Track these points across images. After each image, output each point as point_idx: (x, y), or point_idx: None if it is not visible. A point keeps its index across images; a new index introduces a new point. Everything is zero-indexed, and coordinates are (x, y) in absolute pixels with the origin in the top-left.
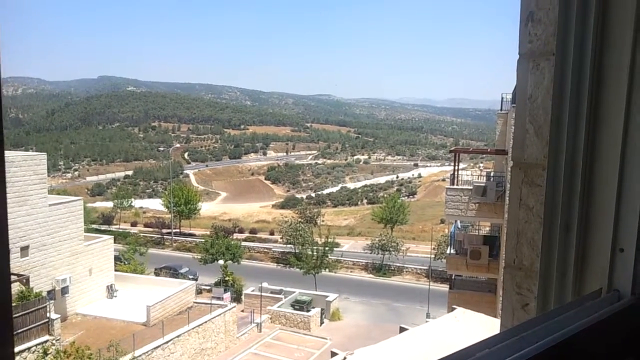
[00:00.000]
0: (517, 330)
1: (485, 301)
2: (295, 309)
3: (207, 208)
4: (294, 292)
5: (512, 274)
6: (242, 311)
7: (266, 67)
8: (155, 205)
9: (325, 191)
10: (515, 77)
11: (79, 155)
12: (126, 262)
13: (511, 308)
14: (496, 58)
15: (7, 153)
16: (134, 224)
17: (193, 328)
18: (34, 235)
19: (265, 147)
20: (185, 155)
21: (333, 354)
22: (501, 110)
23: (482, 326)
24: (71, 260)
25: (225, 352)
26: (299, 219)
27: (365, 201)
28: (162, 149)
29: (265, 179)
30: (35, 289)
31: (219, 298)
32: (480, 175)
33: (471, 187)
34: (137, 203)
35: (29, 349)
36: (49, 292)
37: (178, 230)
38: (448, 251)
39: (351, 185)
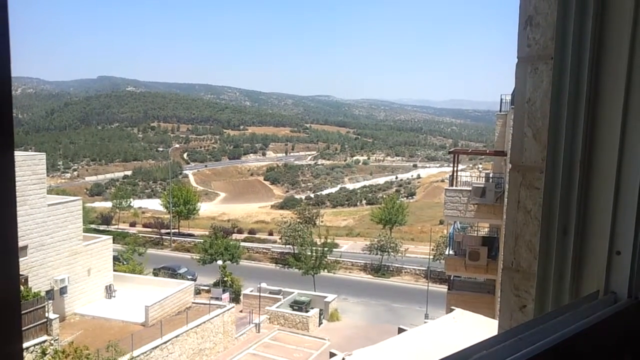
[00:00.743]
0: (515, 332)
1: (484, 302)
2: (293, 310)
3: (206, 208)
4: (292, 292)
5: (510, 276)
6: (241, 311)
7: (266, 68)
8: (154, 205)
9: (325, 192)
10: (514, 79)
11: (78, 155)
12: (125, 263)
13: (509, 310)
14: (495, 59)
15: None
16: (132, 224)
17: (191, 328)
18: (33, 235)
19: (264, 147)
20: (185, 155)
21: (332, 355)
22: (500, 111)
23: (480, 327)
24: (70, 260)
25: (223, 353)
26: (298, 220)
27: (364, 202)
28: (161, 149)
29: (265, 180)
30: (34, 288)
31: (217, 298)
32: (479, 177)
33: (470, 188)
34: (136, 203)
35: (27, 349)
36: (47, 292)
37: (177, 230)
38: (447, 252)
39: (350, 186)
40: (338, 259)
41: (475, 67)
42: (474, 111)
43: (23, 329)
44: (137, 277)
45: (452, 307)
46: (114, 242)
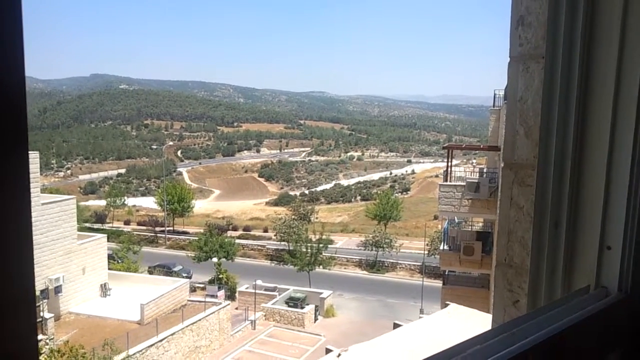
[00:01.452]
0: (508, 326)
1: (479, 296)
2: (289, 306)
3: (200, 206)
4: (288, 289)
5: (503, 272)
6: (236, 309)
7: (259, 64)
8: (148, 203)
9: (319, 188)
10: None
11: (71, 153)
12: (119, 261)
13: (502, 305)
14: (489, 55)
15: None
16: (127, 223)
17: (187, 326)
18: None
19: (258, 144)
20: (179, 153)
21: (328, 351)
22: (494, 106)
23: (475, 322)
24: (64, 259)
25: (219, 350)
26: (293, 216)
27: (358, 198)
28: (155, 146)
29: (259, 176)
30: None
31: (213, 296)
32: (473, 172)
33: (464, 184)
34: (130, 201)
35: None
36: (42, 291)
37: (171, 228)
38: (441, 247)
39: (345, 182)
40: (333, 255)
41: (469, 62)
42: (467, 106)
43: None
44: (132, 275)
45: (447, 302)
46: (108, 241)
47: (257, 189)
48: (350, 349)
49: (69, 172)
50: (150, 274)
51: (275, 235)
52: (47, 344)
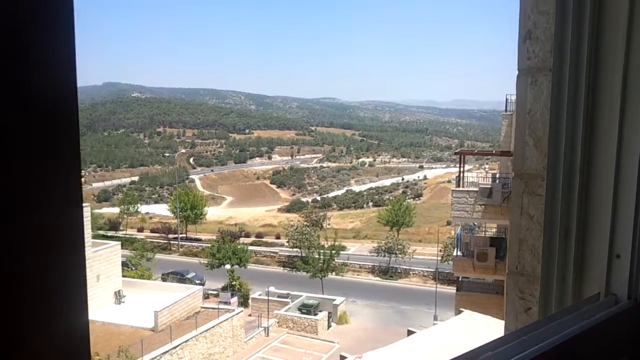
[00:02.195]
0: (519, 333)
1: (493, 303)
2: (302, 313)
3: (213, 213)
4: (300, 295)
5: (515, 280)
6: (249, 315)
7: (270, 71)
8: (161, 210)
9: (331, 194)
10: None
11: (84, 161)
12: (133, 268)
13: (514, 312)
14: (500, 59)
15: None
16: (140, 230)
17: (201, 333)
18: None
19: (270, 151)
20: (191, 160)
21: (342, 358)
22: (506, 111)
23: (489, 328)
24: None
25: (233, 357)
26: (305, 223)
27: (370, 204)
28: (167, 154)
29: (271, 183)
30: None
31: (226, 303)
32: (486, 177)
33: (477, 189)
34: (144, 209)
35: None
36: None
37: (184, 235)
38: (455, 253)
39: (356, 188)
40: (346, 261)
41: (480, 66)
42: (479, 111)
43: None
44: (146, 283)
45: (461, 309)
46: (122, 248)
47: (269, 195)
48: (365, 356)
49: (82, 180)
50: (163, 281)
51: (287, 241)
52: None
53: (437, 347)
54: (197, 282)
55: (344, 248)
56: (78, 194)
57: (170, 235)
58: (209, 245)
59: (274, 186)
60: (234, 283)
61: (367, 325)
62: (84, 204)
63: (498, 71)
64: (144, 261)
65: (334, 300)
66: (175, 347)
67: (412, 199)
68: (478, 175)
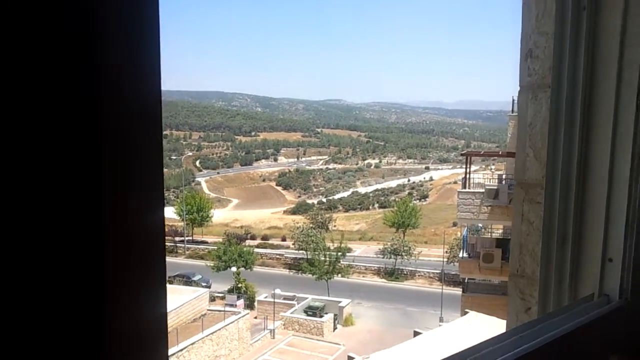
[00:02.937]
0: (517, 330)
1: (499, 304)
2: (308, 315)
3: (219, 215)
4: (306, 298)
5: (516, 282)
6: (255, 318)
7: (276, 73)
8: (167, 213)
9: (337, 196)
10: None
11: None
12: None
13: (515, 312)
14: (507, 59)
15: None
16: None
17: (207, 335)
18: None
19: (276, 153)
20: (197, 162)
21: (350, 358)
22: (512, 112)
23: (495, 329)
24: None
25: (239, 359)
26: (311, 225)
27: (376, 205)
28: (174, 157)
29: (277, 185)
30: None
31: (232, 305)
32: (492, 178)
33: (483, 190)
34: None
35: None
36: None
37: (190, 237)
38: (461, 254)
39: (362, 190)
40: (351, 263)
41: (486, 67)
42: (486, 112)
43: None
44: None
45: (467, 310)
46: None
47: (275, 197)
48: (372, 357)
49: None
50: (170, 283)
51: (293, 243)
52: None
53: (443, 348)
54: (204, 284)
55: (349, 250)
56: (161, 194)
57: (177, 238)
58: (215, 247)
59: (279, 188)
60: (240, 285)
61: (373, 327)
62: None
63: (505, 72)
64: None
65: (340, 302)
66: (181, 350)
67: (418, 200)
68: (484, 176)
